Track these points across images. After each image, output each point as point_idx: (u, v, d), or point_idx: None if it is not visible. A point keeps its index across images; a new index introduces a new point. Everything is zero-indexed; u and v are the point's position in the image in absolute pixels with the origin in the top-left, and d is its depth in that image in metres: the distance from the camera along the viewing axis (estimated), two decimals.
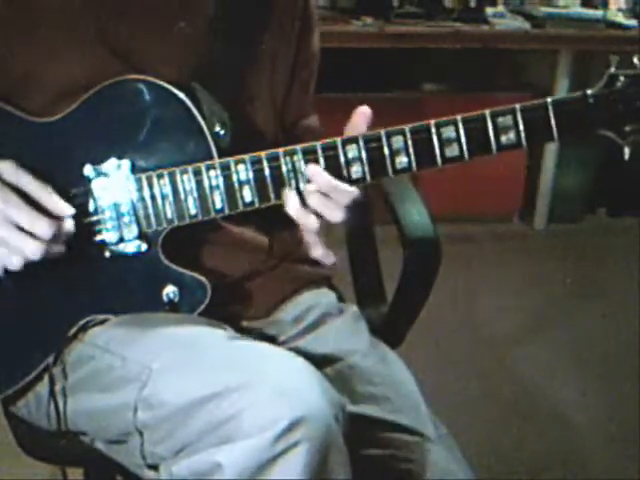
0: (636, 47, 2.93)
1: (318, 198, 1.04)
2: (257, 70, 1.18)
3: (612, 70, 1.03)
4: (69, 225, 1.04)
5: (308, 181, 1.04)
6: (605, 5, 3.39)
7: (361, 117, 1.05)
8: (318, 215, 1.05)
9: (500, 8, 3.38)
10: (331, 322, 1.24)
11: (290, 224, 1.25)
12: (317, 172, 1.03)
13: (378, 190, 1.31)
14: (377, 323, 1.34)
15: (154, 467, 1.04)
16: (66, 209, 1.04)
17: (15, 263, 1.03)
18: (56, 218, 1.03)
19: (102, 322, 1.11)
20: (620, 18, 3.32)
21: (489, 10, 3.30)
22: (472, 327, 2.73)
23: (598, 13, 3.32)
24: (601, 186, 3.61)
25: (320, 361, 1.11)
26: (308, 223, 1.06)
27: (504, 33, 3.21)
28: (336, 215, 1.05)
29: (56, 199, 1.03)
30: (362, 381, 1.16)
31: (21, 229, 1.01)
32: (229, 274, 1.17)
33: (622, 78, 1.02)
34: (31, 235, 1.01)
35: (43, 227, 1.01)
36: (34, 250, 1.01)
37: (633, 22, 3.27)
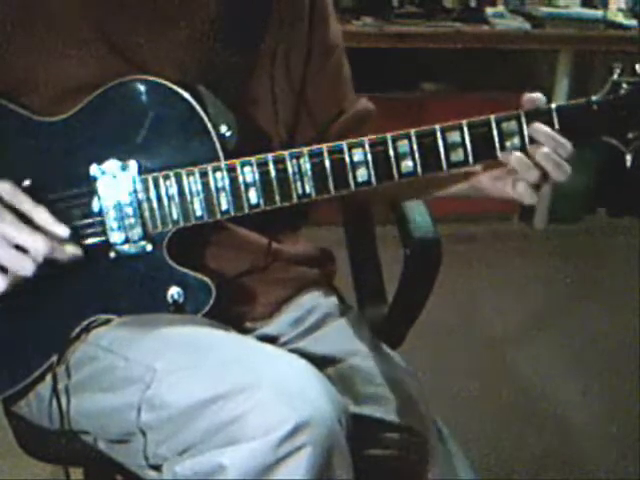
0: (636, 47, 2.93)
1: (544, 154, 1.03)
2: (258, 71, 1.18)
3: (615, 77, 1.03)
4: (76, 250, 1.04)
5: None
6: (605, 5, 3.39)
7: None
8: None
9: (500, 8, 3.38)
10: (332, 323, 1.24)
11: (291, 225, 1.26)
12: (539, 129, 1.03)
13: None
14: (377, 323, 1.34)
15: (156, 467, 1.04)
16: (61, 231, 1.03)
17: (8, 278, 1.02)
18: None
19: (106, 323, 1.11)
20: (620, 18, 3.32)
21: (489, 10, 3.30)
22: (472, 327, 2.73)
23: (598, 13, 3.32)
24: (601, 186, 3.61)
25: (321, 362, 1.11)
26: (530, 175, 1.05)
27: (504, 33, 3.21)
28: (562, 173, 1.04)
29: (51, 221, 1.03)
30: (363, 382, 1.16)
31: (16, 248, 1.00)
32: (231, 275, 1.17)
33: (625, 85, 1.03)
34: (26, 253, 1.01)
35: (40, 244, 1.01)
36: (27, 269, 1.01)
37: (633, 22, 3.27)
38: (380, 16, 3.10)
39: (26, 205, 1.02)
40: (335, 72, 1.28)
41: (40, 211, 1.03)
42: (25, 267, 1.01)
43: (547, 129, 1.03)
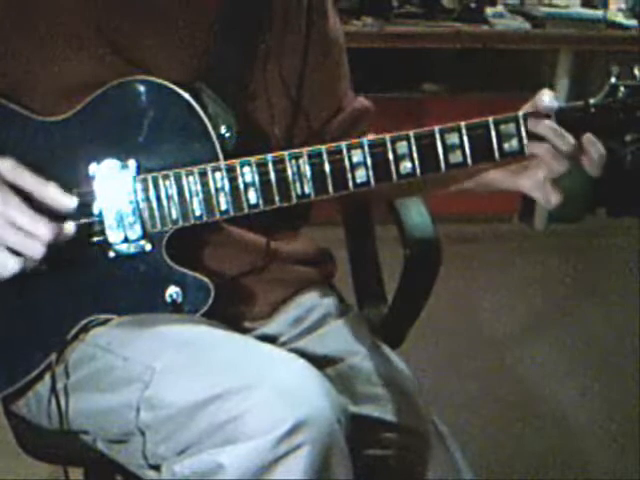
0: (636, 47, 2.93)
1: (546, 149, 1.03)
2: (256, 70, 1.18)
3: (613, 80, 1.04)
4: (70, 227, 1.03)
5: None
6: (605, 5, 3.38)
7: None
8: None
9: (500, 8, 3.38)
10: (332, 323, 1.24)
11: (291, 225, 1.26)
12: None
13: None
14: (377, 323, 1.34)
15: (155, 467, 1.04)
16: (67, 202, 1.03)
17: (15, 265, 1.02)
18: (57, 219, 1.03)
19: (104, 322, 1.11)
20: (620, 18, 3.32)
21: (489, 10, 3.30)
22: (472, 327, 2.73)
23: (598, 13, 3.31)
24: (601, 186, 3.61)
25: (321, 362, 1.11)
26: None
27: (504, 33, 3.22)
28: (562, 166, 1.04)
29: (56, 193, 1.02)
30: (362, 381, 1.16)
31: (22, 230, 1.00)
32: (231, 275, 1.17)
33: (623, 88, 1.04)
34: (32, 236, 1.00)
35: (43, 229, 1.00)
36: (35, 251, 1.00)
37: (633, 22, 3.26)
38: (380, 16, 3.10)
39: (29, 182, 1.01)
40: (333, 69, 1.28)
41: (44, 186, 1.02)
42: (35, 249, 1.00)
43: (551, 123, 1.03)
